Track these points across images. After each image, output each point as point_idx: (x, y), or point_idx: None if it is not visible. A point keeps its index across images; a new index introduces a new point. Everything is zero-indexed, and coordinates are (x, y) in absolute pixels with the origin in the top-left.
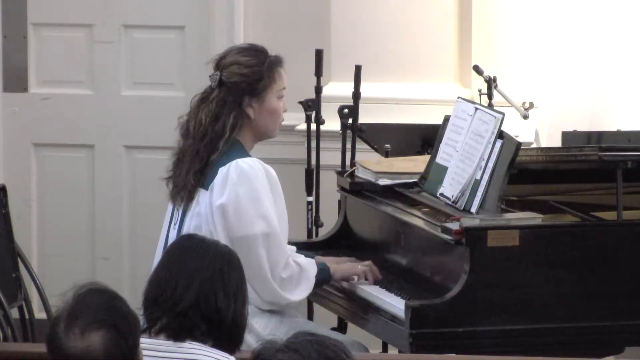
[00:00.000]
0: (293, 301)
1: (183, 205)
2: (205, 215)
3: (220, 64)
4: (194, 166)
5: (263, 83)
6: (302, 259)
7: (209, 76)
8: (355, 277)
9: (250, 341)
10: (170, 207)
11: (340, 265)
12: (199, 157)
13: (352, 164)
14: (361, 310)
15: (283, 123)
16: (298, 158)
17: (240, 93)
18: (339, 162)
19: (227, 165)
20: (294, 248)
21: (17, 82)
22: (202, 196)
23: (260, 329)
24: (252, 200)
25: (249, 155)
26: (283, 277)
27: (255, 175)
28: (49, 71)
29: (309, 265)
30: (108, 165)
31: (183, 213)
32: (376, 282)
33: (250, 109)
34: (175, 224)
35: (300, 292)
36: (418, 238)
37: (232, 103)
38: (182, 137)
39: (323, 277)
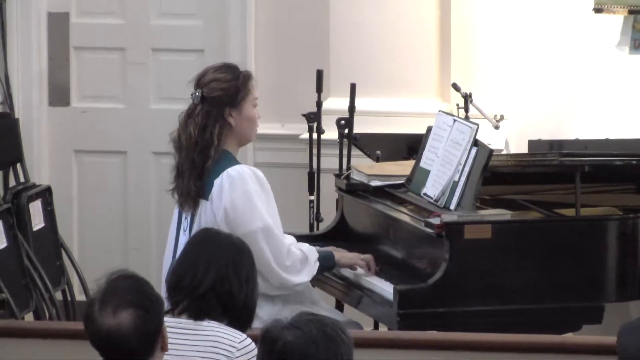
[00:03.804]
0: (299, 283)
1: (191, 212)
2: (211, 224)
3: (200, 82)
4: (194, 174)
5: (241, 94)
6: (305, 247)
7: (191, 94)
8: (358, 268)
9: (257, 327)
10: (176, 213)
11: (345, 254)
12: (195, 165)
13: (348, 168)
14: (356, 294)
15: (289, 132)
16: (301, 163)
17: (222, 105)
18: (337, 166)
19: (220, 177)
20: (293, 238)
21: (61, 97)
22: (204, 207)
23: (265, 316)
24: (245, 202)
25: (238, 162)
26: (287, 264)
27: (244, 180)
28: (88, 88)
29: (310, 252)
30: (138, 169)
31: (191, 218)
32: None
33: (231, 118)
34: (185, 230)
35: (304, 275)
36: (405, 231)
37: (216, 114)
38: (176, 151)
39: (328, 264)
